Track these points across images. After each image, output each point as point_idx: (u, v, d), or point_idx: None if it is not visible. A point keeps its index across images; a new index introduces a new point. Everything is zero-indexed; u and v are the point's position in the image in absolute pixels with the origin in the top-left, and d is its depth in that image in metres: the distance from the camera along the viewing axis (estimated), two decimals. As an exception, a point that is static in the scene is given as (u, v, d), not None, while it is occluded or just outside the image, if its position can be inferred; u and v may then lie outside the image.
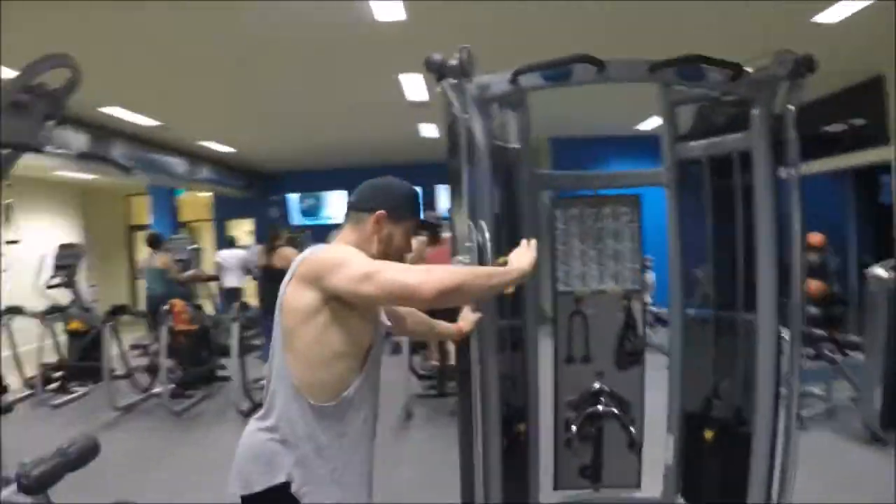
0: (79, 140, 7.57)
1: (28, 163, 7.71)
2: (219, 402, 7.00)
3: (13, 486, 2.29)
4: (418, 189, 2.29)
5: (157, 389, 6.82)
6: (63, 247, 8.12)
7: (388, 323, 2.20)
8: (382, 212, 2.06)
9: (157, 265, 7.98)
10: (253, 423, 1.99)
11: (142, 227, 13.33)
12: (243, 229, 13.92)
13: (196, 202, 14.51)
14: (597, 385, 3.31)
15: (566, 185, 3.59)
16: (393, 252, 2.09)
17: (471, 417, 2.43)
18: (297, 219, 13.84)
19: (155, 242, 8.17)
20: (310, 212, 14.07)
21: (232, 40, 5.40)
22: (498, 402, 2.58)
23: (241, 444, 1.98)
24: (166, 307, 6.66)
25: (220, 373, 7.67)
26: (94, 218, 13.52)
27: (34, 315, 7.05)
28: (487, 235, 2.43)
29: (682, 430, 3.27)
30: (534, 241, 2.17)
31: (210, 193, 13.91)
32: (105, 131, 8.06)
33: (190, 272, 8.74)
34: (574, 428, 3.26)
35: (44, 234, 10.58)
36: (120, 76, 6.20)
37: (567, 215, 3.41)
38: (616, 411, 3.26)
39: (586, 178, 3.48)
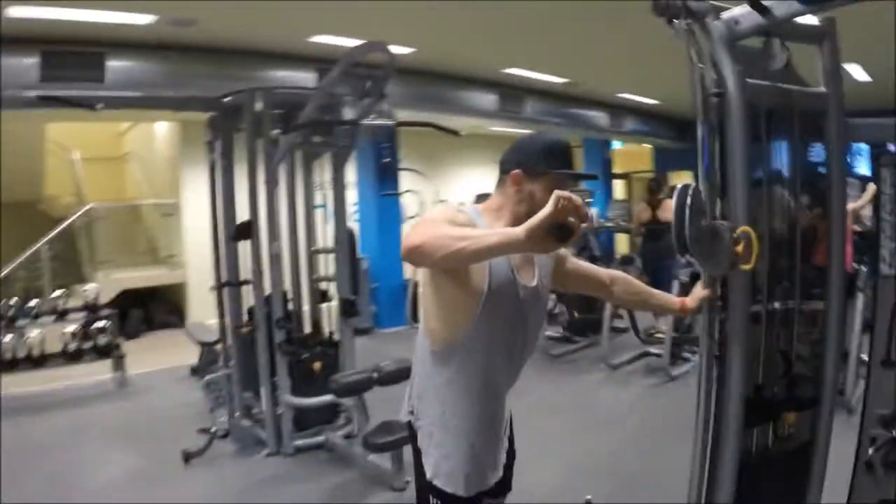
0: (488, 100, 8.22)
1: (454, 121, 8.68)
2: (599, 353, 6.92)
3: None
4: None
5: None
6: (479, 196, 8.89)
7: (531, 282, 2.02)
8: (517, 171, 1.97)
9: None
10: None
11: (580, 178, 13.79)
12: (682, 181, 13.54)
13: (633, 154, 14.57)
14: (917, 401, 2.60)
15: (878, 136, 2.82)
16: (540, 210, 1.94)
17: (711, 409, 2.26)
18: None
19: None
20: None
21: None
22: (742, 392, 2.27)
23: None
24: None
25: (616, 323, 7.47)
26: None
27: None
28: (689, 202, 2.08)
29: None
30: (556, 195, 1.55)
31: (649, 146, 13.78)
32: (515, 89, 8.59)
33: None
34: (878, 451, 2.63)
35: (474, 184, 11.59)
36: (524, 36, 6.48)
37: (896, 175, 2.70)
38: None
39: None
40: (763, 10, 2.18)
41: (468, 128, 9.84)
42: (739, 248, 2.00)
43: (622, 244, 11.94)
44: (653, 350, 6.46)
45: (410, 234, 1.72)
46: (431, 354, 1.98)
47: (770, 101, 2.39)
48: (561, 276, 2.21)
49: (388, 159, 4.19)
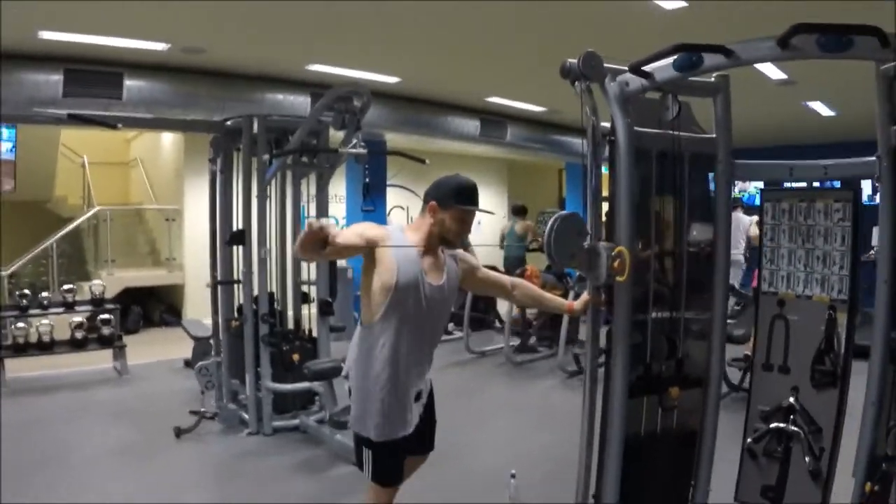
0: (471, 125, 8.84)
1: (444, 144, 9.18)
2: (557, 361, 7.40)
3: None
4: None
5: (501, 344, 7.72)
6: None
7: (438, 282, 2.64)
8: (433, 202, 2.61)
9: (517, 231, 8.81)
10: None
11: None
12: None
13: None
14: (790, 400, 3.08)
15: (767, 176, 3.38)
16: (447, 234, 2.64)
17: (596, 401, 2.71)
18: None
19: (519, 211, 8.99)
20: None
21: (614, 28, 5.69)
22: (624, 388, 2.69)
23: None
24: (519, 270, 7.45)
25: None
26: (525, 190, 14.96)
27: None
28: (555, 227, 2.60)
29: (866, 476, 2.81)
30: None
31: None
32: (497, 116, 9.23)
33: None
34: (759, 441, 3.13)
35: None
36: (504, 67, 7.07)
37: (777, 209, 3.25)
38: (804, 434, 3.01)
39: (790, 168, 3.19)
40: (645, 75, 2.73)
41: (454, 150, 10.48)
42: (616, 263, 2.51)
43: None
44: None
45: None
46: (360, 328, 2.62)
47: (660, 146, 2.94)
48: (471, 281, 2.88)
49: (367, 180, 4.78)
